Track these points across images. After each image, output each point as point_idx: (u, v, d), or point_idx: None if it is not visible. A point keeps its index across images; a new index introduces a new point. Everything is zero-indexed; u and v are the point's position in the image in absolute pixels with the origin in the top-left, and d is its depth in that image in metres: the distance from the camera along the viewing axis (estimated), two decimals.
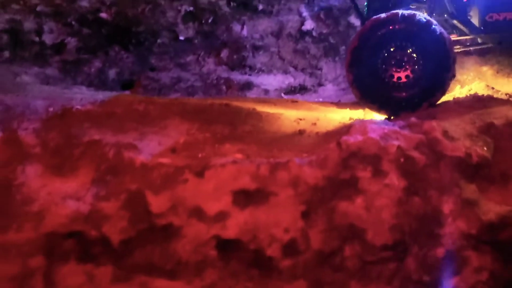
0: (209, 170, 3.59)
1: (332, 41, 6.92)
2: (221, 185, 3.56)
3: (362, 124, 3.88)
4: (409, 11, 4.64)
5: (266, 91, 6.78)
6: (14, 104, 4.13)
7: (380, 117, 4.65)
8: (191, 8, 6.79)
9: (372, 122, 4.09)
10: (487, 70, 5.19)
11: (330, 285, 3.54)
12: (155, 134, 4.04)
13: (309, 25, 6.92)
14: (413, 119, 3.97)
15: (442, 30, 4.57)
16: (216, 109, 4.59)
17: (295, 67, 6.88)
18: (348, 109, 5.31)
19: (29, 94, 4.69)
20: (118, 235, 3.49)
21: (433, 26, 4.51)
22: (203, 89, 6.76)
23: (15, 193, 3.55)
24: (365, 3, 5.46)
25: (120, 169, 3.65)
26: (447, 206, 3.53)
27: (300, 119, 4.61)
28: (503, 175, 3.70)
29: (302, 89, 6.80)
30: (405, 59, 4.55)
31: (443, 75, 4.51)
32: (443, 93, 4.59)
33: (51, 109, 4.12)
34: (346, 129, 3.93)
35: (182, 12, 6.78)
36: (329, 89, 6.75)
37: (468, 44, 5.04)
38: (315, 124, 4.51)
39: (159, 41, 6.75)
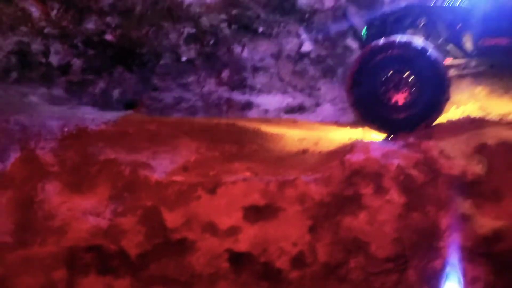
0: (221, 187, 3.79)
1: (330, 62, 7.04)
2: (232, 201, 3.76)
3: (363, 144, 4.11)
4: (406, 38, 4.85)
5: (266, 111, 6.92)
6: (30, 124, 4.29)
7: (379, 136, 4.81)
8: (193, 30, 6.94)
9: (373, 142, 4.31)
10: (480, 91, 5.34)
11: None
12: (166, 152, 4.24)
13: (307, 47, 7.07)
14: (411, 139, 4.18)
15: (438, 55, 4.76)
16: (223, 129, 4.81)
17: (294, 88, 7.01)
18: (347, 128, 5.50)
19: (42, 114, 4.81)
20: (135, 249, 3.69)
21: (429, 52, 4.70)
22: (204, 109, 6.88)
23: (37, 210, 3.74)
24: (364, 28, 5.67)
25: (136, 187, 3.86)
26: (444, 221, 3.73)
27: (303, 139, 4.81)
28: (496, 191, 3.85)
29: (301, 109, 6.94)
30: (403, 82, 4.72)
31: (439, 98, 4.69)
32: (439, 114, 4.77)
33: (66, 129, 4.30)
34: (348, 148, 4.13)
35: (185, 34, 6.93)
36: (327, 109, 6.89)
37: (462, 67, 5.19)
38: (317, 143, 4.71)
39: (161, 62, 6.88)
